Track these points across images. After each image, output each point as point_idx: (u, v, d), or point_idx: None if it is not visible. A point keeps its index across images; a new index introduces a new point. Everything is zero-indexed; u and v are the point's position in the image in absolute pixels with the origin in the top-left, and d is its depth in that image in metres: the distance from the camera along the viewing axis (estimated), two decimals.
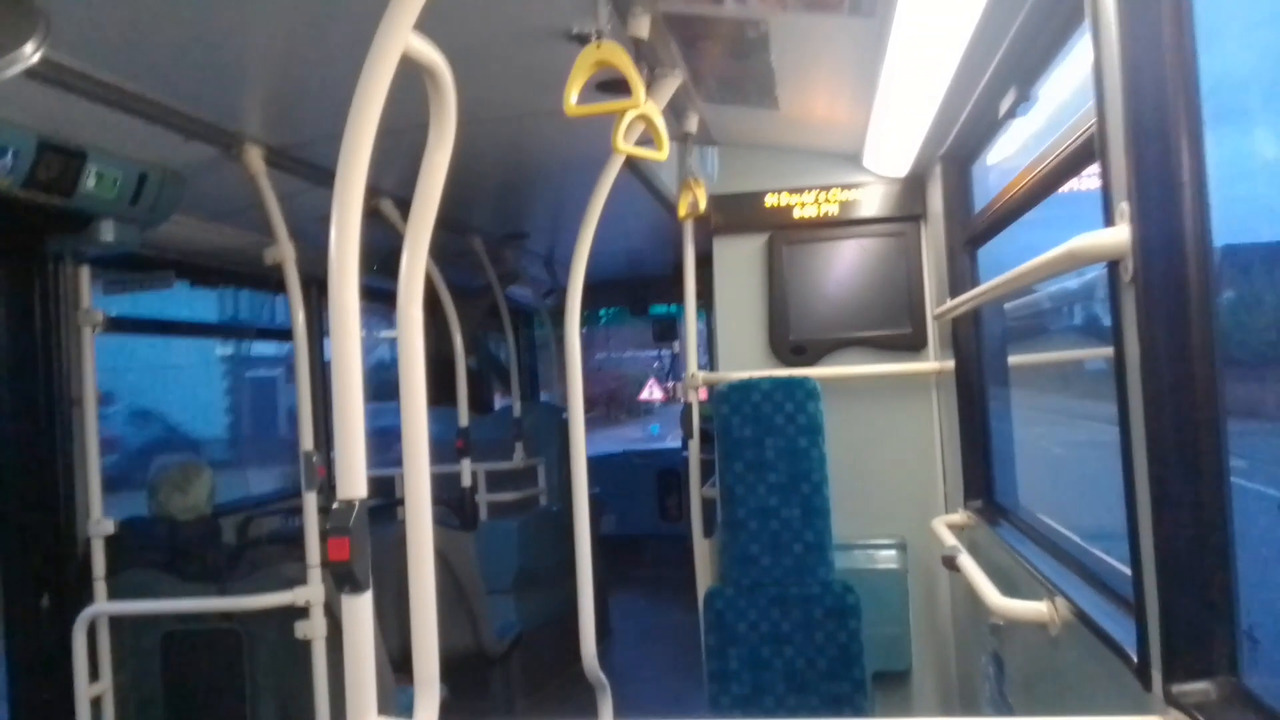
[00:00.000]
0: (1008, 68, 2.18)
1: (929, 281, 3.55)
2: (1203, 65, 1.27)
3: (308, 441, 2.98)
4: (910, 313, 3.58)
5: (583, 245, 2.53)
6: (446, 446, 3.90)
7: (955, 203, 3.17)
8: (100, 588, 2.98)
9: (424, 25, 1.40)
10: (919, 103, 2.67)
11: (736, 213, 3.70)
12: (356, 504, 1.39)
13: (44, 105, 2.24)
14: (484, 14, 2.12)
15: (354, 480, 1.39)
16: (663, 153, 2.16)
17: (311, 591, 2.91)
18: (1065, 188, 2.02)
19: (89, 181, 2.59)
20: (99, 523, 2.99)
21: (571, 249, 2.57)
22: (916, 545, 3.50)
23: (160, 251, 3.39)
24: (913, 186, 3.56)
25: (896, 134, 3.09)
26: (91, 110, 2.30)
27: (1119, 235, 1.35)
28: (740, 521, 3.31)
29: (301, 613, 2.91)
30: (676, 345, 9.13)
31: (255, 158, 2.81)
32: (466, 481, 4.47)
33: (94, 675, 2.96)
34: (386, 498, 4.28)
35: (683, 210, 3.35)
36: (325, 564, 2.85)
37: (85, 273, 3.07)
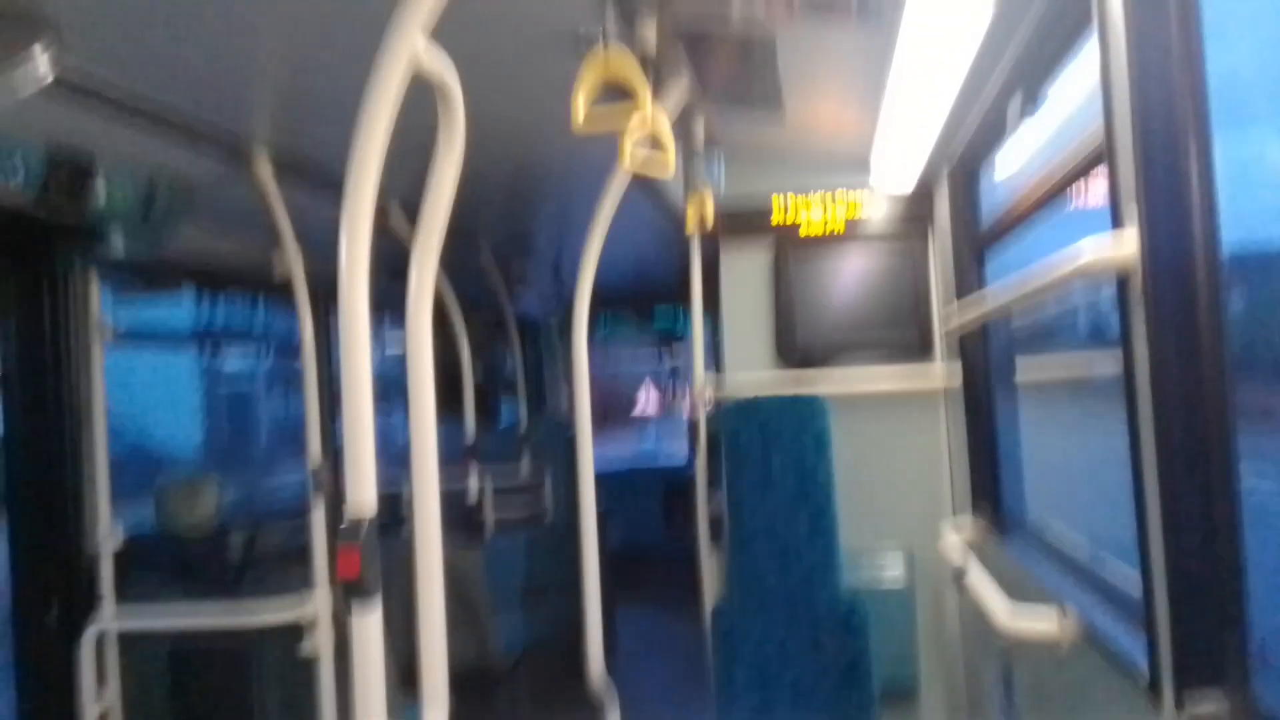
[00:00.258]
0: (1015, 74, 2.18)
1: (935, 289, 3.54)
2: (1213, 67, 1.26)
3: (315, 455, 2.97)
4: (917, 321, 3.57)
5: (589, 256, 2.52)
6: (452, 459, 3.89)
7: (962, 211, 3.17)
8: (108, 602, 2.97)
9: (432, 34, 1.40)
10: (926, 110, 2.67)
11: (743, 221, 3.70)
12: (366, 519, 1.38)
13: (54, 116, 2.25)
14: (492, 23, 2.13)
15: (364, 495, 1.38)
16: (669, 170, 2.16)
17: (318, 607, 2.89)
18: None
19: (99, 192, 2.60)
20: (107, 536, 2.98)
21: (578, 259, 2.57)
22: (924, 556, 3.47)
23: (169, 262, 3.40)
24: (920, 195, 3.56)
25: (903, 142, 3.09)
26: (101, 121, 2.31)
27: (1128, 246, 1.34)
28: (747, 538, 3.29)
29: (308, 629, 2.90)
30: (671, 356, 9.12)
31: (264, 167, 2.82)
32: (473, 495, 4.46)
33: (100, 691, 2.95)
34: (393, 514, 4.28)
35: (690, 223, 3.35)
36: (333, 580, 2.85)
37: (95, 284, 3.08)
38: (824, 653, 3.20)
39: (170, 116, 2.45)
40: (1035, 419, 3.02)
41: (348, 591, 1.39)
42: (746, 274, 3.72)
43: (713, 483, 3.67)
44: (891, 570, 3.51)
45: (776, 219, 3.67)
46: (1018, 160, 2.68)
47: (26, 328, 3.03)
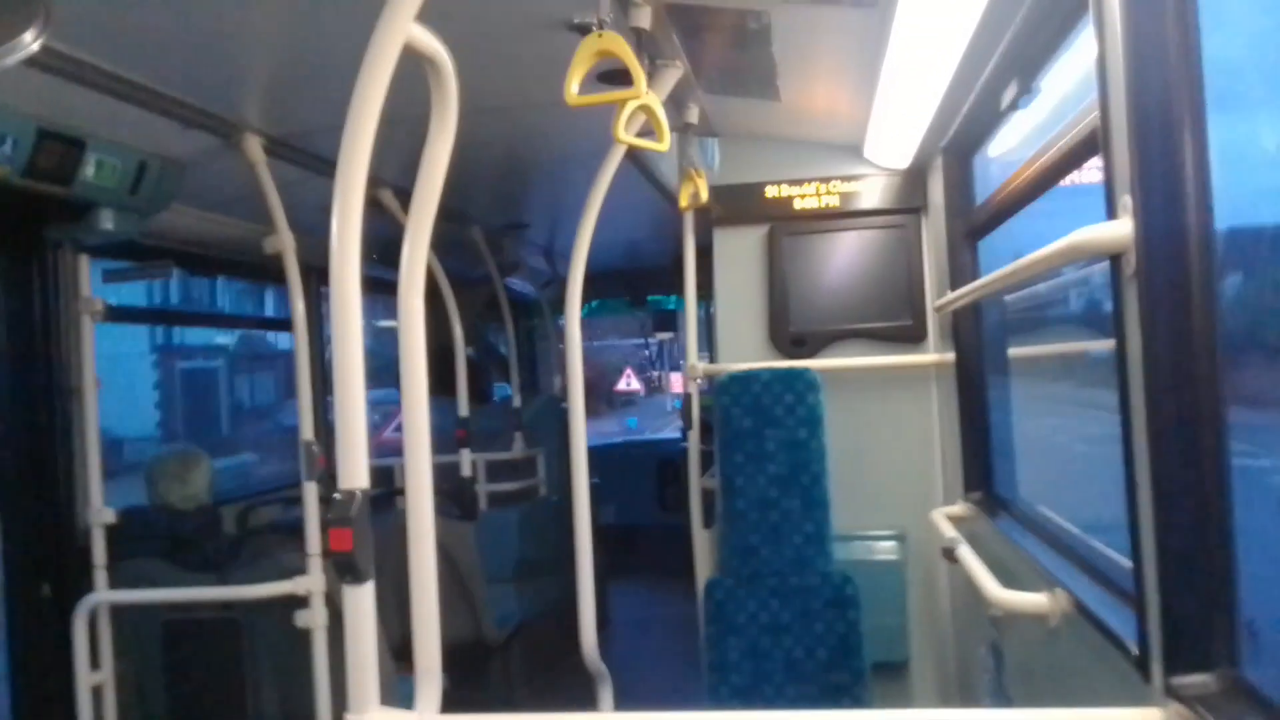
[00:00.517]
0: (1010, 58, 2.17)
1: (929, 273, 3.55)
2: (1208, 51, 1.26)
3: (308, 431, 2.98)
4: (910, 305, 3.58)
5: (583, 236, 2.52)
6: (445, 437, 3.90)
7: (956, 195, 3.17)
8: (101, 576, 2.98)
9: (424, 14, 1.40)
10: (921, 94, 2.66)
11: (737, 204, 3.69)
12: (358, 494, 1.39)
13: (44, 93, 2.23)
14: (485, 3, 2.12)
15: (356, 470, 1.39)
16: (664, 143, 2.15)
17: (312, 581, 2.91)
18: (1070, 180, 2.02)
19: (88, 170, 2.58)
20: (99, 511, 2.99)
21: (571, 240, 2.57)
22: (915, 537, 3.50)
23: (159, 241, 3.38)
24: (913, 178, 3.56)
25: (898, 126, 3.09)
26: (91, 99, 2.29)
27: (1121, 229, 1.35)
28: (740, 512, 3.31)
29: (302, 602, 2.92)
30: (660, 336, 9.13)
31: (255, 147, 2.80)
32: (466, 472, 4.47)
33: (95, 664, 2.97)
34: (386, 487, 4.29)
35: (684, 201, 3.34)
36: (326, 554, 2.86)
37: (84, 261, 3.06)
38: (816, 627, 3.24)
39: (161, 95, 2.43)
40: (1026, 402, 3.04)
41: (339, 566, 1.40)
42: (740, 260, 3.73)
43: (706, 459, 3.69)
44: (884, 546, 3.54)
45: (770, 195, 3.67)
46: (1012, 144, 2.69)
47: (16, 305, 3.02)
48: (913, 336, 3.58)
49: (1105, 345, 1.61)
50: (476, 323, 5.92)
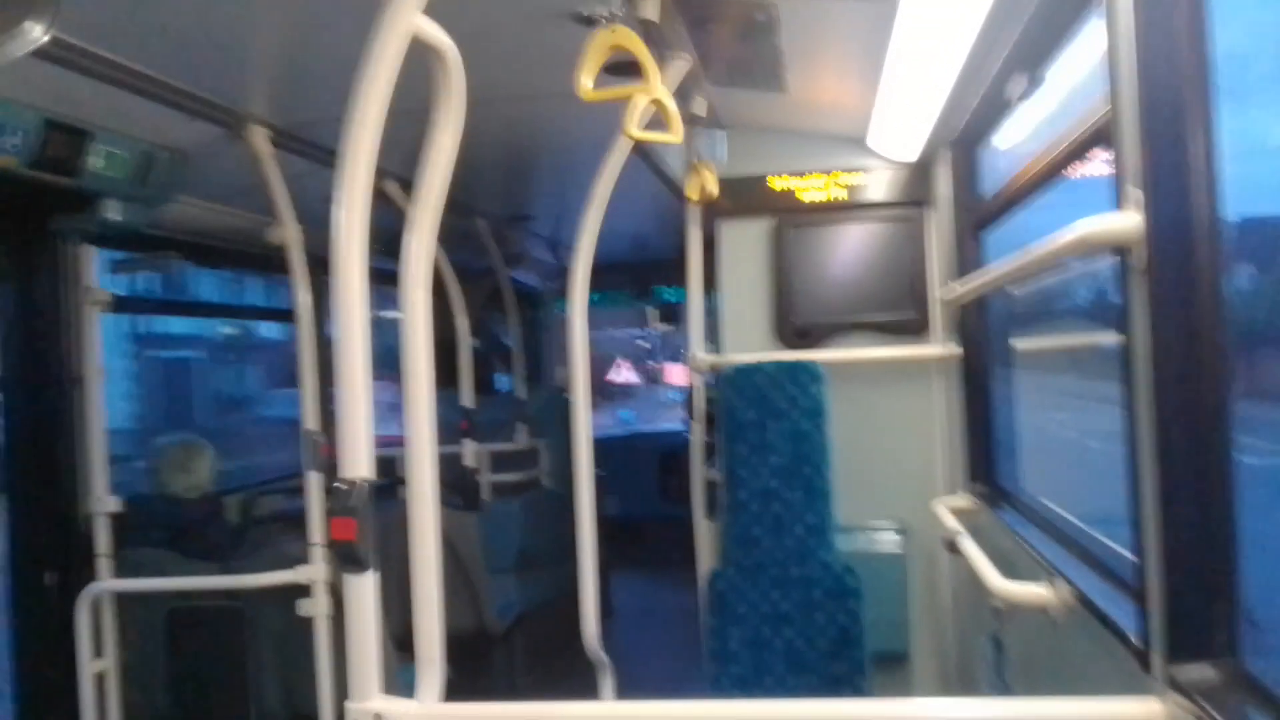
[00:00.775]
0: (1018, 50, 2.17)
1: (933, 266, 3.55)
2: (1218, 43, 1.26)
3: (311, 421, 2.99)
4: (914, 298, 3.58)
5: (588, 228, 2.52)
6: (448, 428, 3.91)
7: (963, 187, 3.16)
8: (104, 565, 2.99)
9: (430, 6, 1.40)
10: (927, 86, 2.66)
11: (742, 196, 3.69)
12: (361, 484, 1.40)
13: (50, 85, 2.24)
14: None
15: (358, 460, 1.40)
16: (676, 136, 2.15)
17: (314, 570, 2.92)
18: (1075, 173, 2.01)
19: (95, 161, 2.59)
20: (103, 500, 3.00)
21: (576, 232, 2.56)
22: (917, 528, 3.51)
23: (165, 232, 3.39)
24: (918, 171, 3.55)
25: (904, 118, 3.08)
26: (98, 90, 2.29)
27: (1130, 221, 1.35)
28: (743, 503, 3.32)
29: (304, 591, 2.93)
30: (659, 327, 9.12)
31: (260, 138, 2.80)
32: (470, 462, 4.48)
33: (98, 652, 2.98)
34: (388, 477, 4.30)
35: (692, 193, 3.34)
36: (329, 543, 2.87)
37: (90, 252, 3.07)
38: (817, 618, 3.24)
39: (167, 86, 2.44)
40: (1030, 394, 3.04)
41: (341, 555, 1.41)
42: (745, 252, 3.72)
43: (710, 449, 3.69)
44: (885, 538, 3.55)
45: (775, 187, 3.66)
46: (1019, 136, 2.68)
47: (23, 296, 3.02)
48: (917, 329, 3.58)
49: (1111, 338, 1.62)
50: (481, 315, 5.92)
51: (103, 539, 2.99)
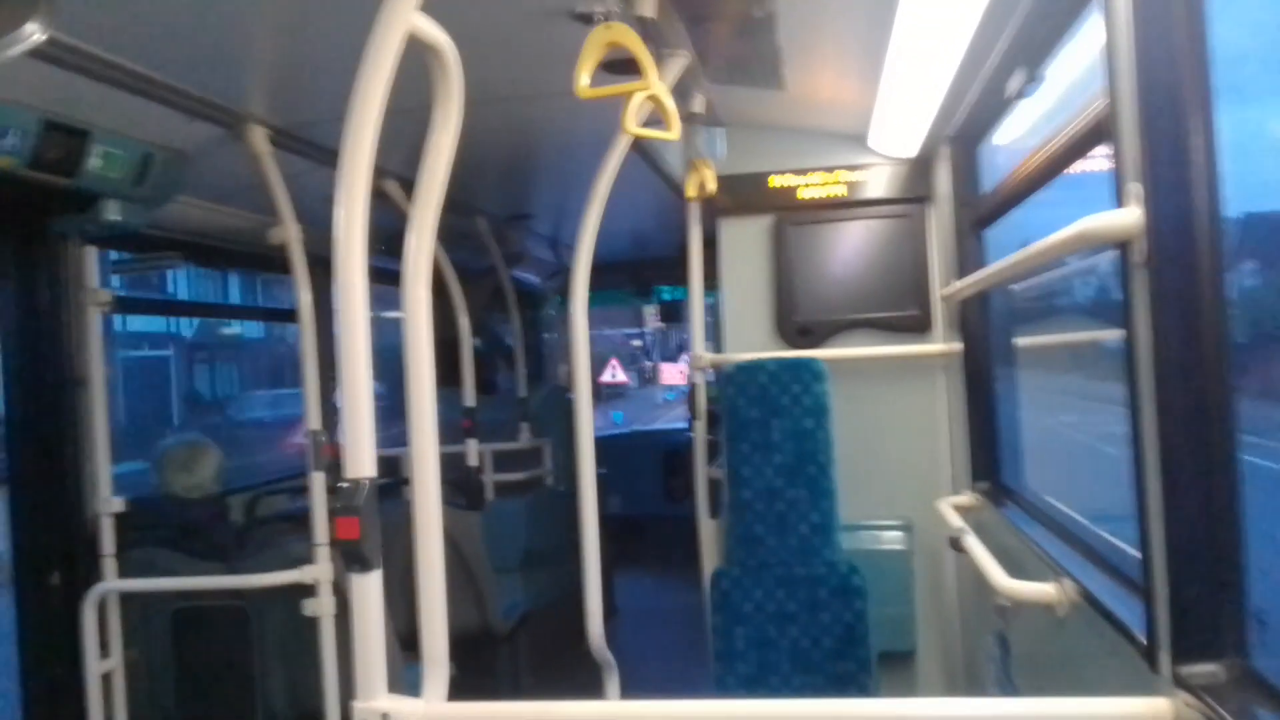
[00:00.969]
0: (1017, 47, 2.16)
1: (935, 263, 3.54)
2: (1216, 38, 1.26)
3: (315, 421, 2.99)
4: (916, 294, 3.57)
5: (588, 226, 2.52)
6: (451, 428, 3.91)
7: (963, 183, 3.15)
8: (110, 565, 3.00)
9: (427, 4, 1.39)
10: (927, 83, 2.65)
11: (742, 194, 3.68)
12: (365, 483, 1.39)
13: (49, 85, 2.23)
14: None
15: (362, 459, 1.40)
16: (674, 133, 2.15)
17: (319, 570, 2.92)
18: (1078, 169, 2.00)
19: (94, 161, 2.58)
20: (108, 500, 3.01)
21: (576, 230, 2.56)
22: (922, 527, 3.50)
23: (165, 232, 3.39)
24: (918, 168, 3.54)
25: (903, 114, 3.07)
26: (96, 90, 2.29)
27: (1130, 216, 1.34)
28: (746, 502, 3.31)
29: (309, 590, 2.93)
30: (657, 325, 9.14)
31: (260, 138, 2.80)
32: (473, 461, 4.48)
33: (104, 652, 2.99)
34: (392, 476, 4.30)
35: (692, 191, 3.33)
36: (334, 543, 2.87)
37: (91, 253, 3.07)
38: (822, 616, 3.24)
39: (166, 86, 2.43)
40: (1034, 392, 3.03)
41: (346, 555, 1.41)
42: (746, 250, 3.71)
43: (713, 448, 3.69)
44: (890, 536, 3.54)
45: (775, 184, 3.66)
46: (1019, 131, 2.67)
47: (24, 297, 3.03)
48: (919, 326, 3.57)
49: (1114, 334, 1.61)
50: (482, 314, 5.92)
51: (107, 539, 3.00)
